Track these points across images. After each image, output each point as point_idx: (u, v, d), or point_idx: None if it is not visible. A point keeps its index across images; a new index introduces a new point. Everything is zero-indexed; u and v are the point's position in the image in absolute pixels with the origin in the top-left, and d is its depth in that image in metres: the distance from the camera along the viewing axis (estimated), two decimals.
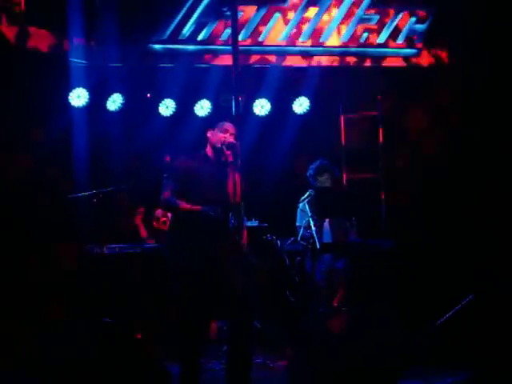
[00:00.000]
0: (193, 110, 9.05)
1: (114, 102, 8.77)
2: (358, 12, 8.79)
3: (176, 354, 5.65)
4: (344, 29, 8.83)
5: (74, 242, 8.01)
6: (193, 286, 5.51)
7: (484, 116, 8.72)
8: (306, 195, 7.69)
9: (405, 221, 8.81)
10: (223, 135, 5.75)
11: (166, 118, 9.03)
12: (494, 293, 6.77)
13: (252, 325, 5.79)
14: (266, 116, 9.23)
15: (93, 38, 8.35)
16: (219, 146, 5.74)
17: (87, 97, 8.55)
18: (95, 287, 7.39)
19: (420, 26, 8.92)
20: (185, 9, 8.52)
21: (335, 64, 9.00)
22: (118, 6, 8.19)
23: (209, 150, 5.86)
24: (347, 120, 9.58)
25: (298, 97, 9.25)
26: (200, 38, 8.62)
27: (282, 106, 9.28)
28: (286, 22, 8.76)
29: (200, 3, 8.50)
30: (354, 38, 8.87)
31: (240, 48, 7.27)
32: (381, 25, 8.91)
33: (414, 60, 9.00)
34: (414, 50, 8.97)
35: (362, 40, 8.90)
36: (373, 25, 8.90)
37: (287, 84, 9.04)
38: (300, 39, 8.79)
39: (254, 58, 8.85)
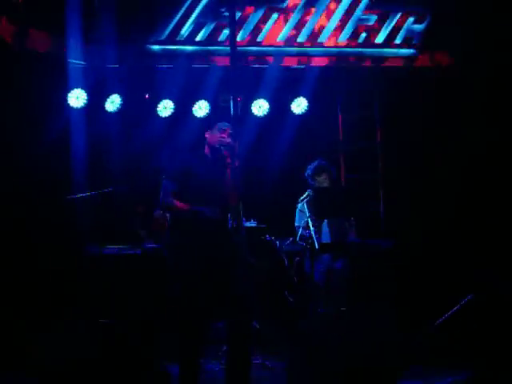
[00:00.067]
0: (191, 111, 9.05)
1: (113, 102, 8.77)
2: (356, 12, 8.81)
3: (176, 355, 5.65)
4: (342, 29, 8.83)
5: (73, 242, 8.01)
6: (192, 287, 5.51)
7: (483, 115, 8.73)
8: (304, 195, 7.70)
9: (404, 221, 8.82)
10: (221, 135, 5.74)
11: (165, 118, 9.02)
12: (493, 292, 6.76)
13: (251, 325, 5.78)
14: (265, 116, 9.22)
15: (91, 39, 8.34)
16: (217, 146, 5.73)
17: (85, 98, 8.55)
18: (95, 288, 7.39)
19: (418, 27, 8.93)
20: (183, 9, 8.53)
21: (333, 64, 9.00)
22: (116, 6, 8.20)
23: (207, 151, 5.85)
24: (345, 120, 9.59)
25: (296, 97, 9.25)
26: (198, 38, 8.62)
27: (280, 106, 9.28)
28: (284, 22, 8.76)
29: (198, 4, 8.51)
30: (352, 38, 8.89)
31: (238, 48, 7.29)
32: (379, 25, 8.93)
33: (412, 60, 9.00)
34: (411, 51, 8.98)
35: (360, 40, 8.91)
36: (371, 25, 8.91)
37: (285, 84, 9.05)
38: (298, 39, 8.80)
39: (252, 59, 8.85)
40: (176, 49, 8.63)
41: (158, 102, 8.97)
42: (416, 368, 5.98)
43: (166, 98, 8.98)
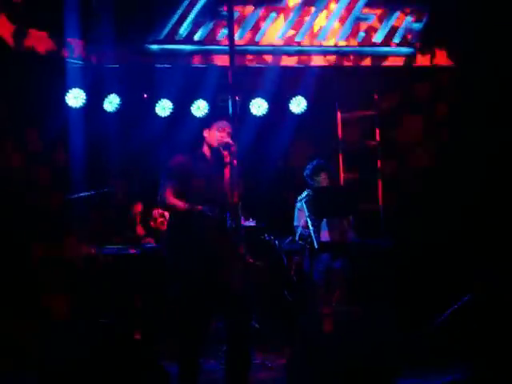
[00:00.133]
0: (190, 111, 9.04)
1: (111, 102, 8.75)
2: (355, 11, 8.79)
3: (175, 354, 5.65)
4: (340, 28, 8.82)
5: (72, 242, 8.01)
6: (192, 286, 5.50)
7: (483, 115, 8.73)
8: (303, 195, 7.70)
9: (403, 220, 8.82)
10: (220, 135, 5.74)
11: (163, 118, 9.01)
12: (493, 292, 6.77)
13: (250, 325, 5.78)
14: (263, 116, 9.21)
15: (89, 39, 8.32)
16: (216, 145, 5.73)
17: (84, 97, 8.53)
18: (94, 287, 7.39)
19: (416, 25, 8.91)
20: (181, 9, 8.51)
21: (332, 63, 8.98)
22: (114, 6, 8.17)
23: (206, 150, 5.85)
24: (344, 119, 9.56)
25: (294, 96, 9.24)
26: (197, 37, 8.61)
27: (279, 105, 9.27)
28: (283, 21, 8.75)
29: (196, 3, 8.48)
30: (350, 37, 8.87)
31: (237, 48, 7.28)
32: (377, 24, 8.92)
33: (411, 59, 8.99)
34: (410, 49, 8.96)
35: (358, 39, 8.90)
36: (369, 24, 8.90)
37: (284, 84, 9.04)
38: (296, 39, 8.79)
39: (250, 58, 8.84)
40: (174, 48, 8.61)
41: (156, 102, 8.96)
42: (415, 367, 5.99)
43: (164, 98, 8.97)
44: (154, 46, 8.56)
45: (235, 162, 5.66)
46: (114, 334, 5.17)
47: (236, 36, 8.19)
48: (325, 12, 8.79)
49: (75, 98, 8.50)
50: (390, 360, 5.29)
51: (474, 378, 5.74)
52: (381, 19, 8.90)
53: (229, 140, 5.67)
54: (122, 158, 8.93)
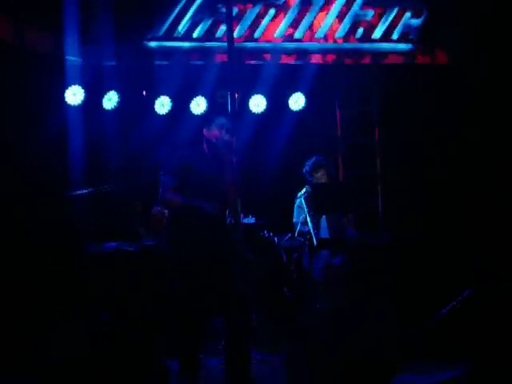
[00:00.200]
0: (189, 108, 9.03)
1: (110, 100, 8.74)
2: (353, 8, 8.81)
3: (175, 350, 5.66)
4: (339, 25, 8.83)
5: (71, 240, 8.01)
6: (192, 281, 5.51)
7: (482, 112, 8.73)
8: (302, 191, 7.71)
9: (402, 215, 8.82)
10: (219, 131, 5.75)
11: (162, 115, 9.01)
12: (493, 287, 6.77)
13: (249, 321, 5.79)
14: (262, 113, 9.20)
15: (88, 36, 8.33)
16: (215, 142, 5.74)
17: (83, 95, 8.52)
18: (94, 285, 7.39)
19: (415, 22, 8.94)
20: (180, 6, 8.53)
21: (330, 60, 9.01)
22: (113, 3, 8.19)
23: (205, 146, 5.85)
24: (343, 116, 9.57)
25: (293, 93, 9.24)
26: (195, 35, 8.62)
27: (277, 102, 9.26)
28: (281, 18, 8.76)
29: (195, 0, 8.50)
30: (349, 34, 8.88)
31: (235, 45, 7.30)
32: (376, 21, 8.93)
33: (410, 55, 9.00)
34: (409, 46, 8.98)
35: (357, 36, 8.91)
36: (368, 21, 8.91)
37: (283, 80, 9.04)
38: (295, 36, 8.80)
39: (249, 55, 8.85)
40: (173, 45, 8.64)
41: (155, 99, 8.96)
42: (415, 362, 5.99)
43: (163, 95, 8.96)
44: (153, 43, 8.58)
45: (234, 158, 5.67)
46: (114, 330, 5.17)
47: (235, 33, 8.20)
48: (324, 9, 8.80)
49: (74, 95, 8.49)
50: (390, 355, 5.29)
51: (474, 373, 5.74)
52: (379, 16, 8.91)
53: (228, 137, 5.68)
54: (121, 155, 8.92)
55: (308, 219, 7.19)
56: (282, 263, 8.09)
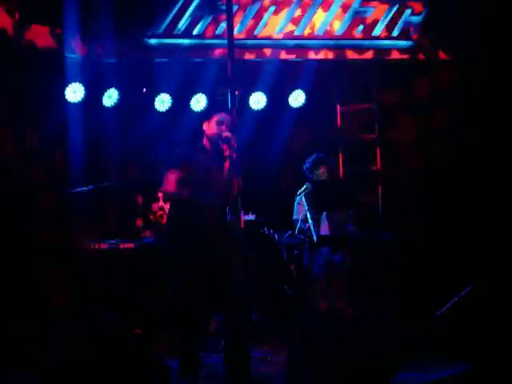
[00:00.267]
0: (189, 105, 9.03)
1: (110, 97, 8.73)
2: (354, 4, 8.78)
3: (175, 349, 5.66)
4: (339, 21, 8.81)
5: (71, 237, 8.01)
6: (192, 279, 5.51)
7: (482, 110, 8.72)
8: (302, 188, 7.70)
9: (403, 213, 8.82)
10: (219, 128, 5.74)
11: (162, 112, 9.00)
12: (492, 285, 6.77)
13: (249, 319, 5.79)
14: (262, 110, 9.21)
15: (88, 33, 8.31)
16: (215, 138, 5.73)
17: (83, 92, 8.51)
18: (93, 282, 7.38)
19: (415, 18, 8.91)
20: (180, 3, 8.51)
21: (330, 57, 8.98)
22: (113, 0, 8.17)
23: (205, 142, 5.85)
24: (343, 113, 9.56)
25: (294, 90, 9.24)
26: (195, 32, 8.60)
27: (278, 99, 9.27)
28: (282, 15, 8.74)
29: None
30: (349, 30, 8.86)
31: (236, 42, 7.26)
32: (376, 17, 8.90)
33: (410, 52, 8.98)
34: (409, 42, 8.95)
35: (357, 32, 8.89)
36: (368, 17, 8.89)
37: (283, 77, 9.03)
38: (295, 32, 8.78)
39: (249, 52, 8.83)
40: (173, 42, 8.61)
41: (155, 96, 8.95)
42: (415, 361, 5.98)
43: (163, 92, 8.95)
44: (153, 40, 8.56)
45: (234, 155, 5.66)
46: (114, 328, 5.17)
47: (235, 30, 8.19)
48: (324, 5, 8.78)
49: (74, 92, 8.48)
50: (390, 353, 5.29)
51: (474, 371, 5.74)
52: (380, 12, 8.88)
53: (228, 134, 5.67)
54: (122, 152, 8.92)
55: (308, 216, 7.18)
56: (282, 260, 8.10)
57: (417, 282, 8.05)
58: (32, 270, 7.80)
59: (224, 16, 8.18)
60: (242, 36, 8.65)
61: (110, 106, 8.76)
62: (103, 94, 8.72)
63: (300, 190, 7.74)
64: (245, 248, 5.77)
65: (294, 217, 7.88)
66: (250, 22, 8.67)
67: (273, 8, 8.71)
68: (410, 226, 8.58)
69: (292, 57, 8.91)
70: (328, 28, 8.81)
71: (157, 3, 8.49)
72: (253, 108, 9.17)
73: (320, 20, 8.78)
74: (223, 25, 8.43)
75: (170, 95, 8.96)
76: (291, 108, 9.28)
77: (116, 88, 8.72)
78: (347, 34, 8.86)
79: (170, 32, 8.53)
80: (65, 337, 4.98)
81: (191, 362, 5.57)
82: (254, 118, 9.04)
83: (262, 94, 9.16)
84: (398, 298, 7.14)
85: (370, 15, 8.89)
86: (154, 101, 8.95)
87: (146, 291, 7.54)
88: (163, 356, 5.57)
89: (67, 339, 4.95)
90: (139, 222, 8.34)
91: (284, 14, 8.72)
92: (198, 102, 9.04)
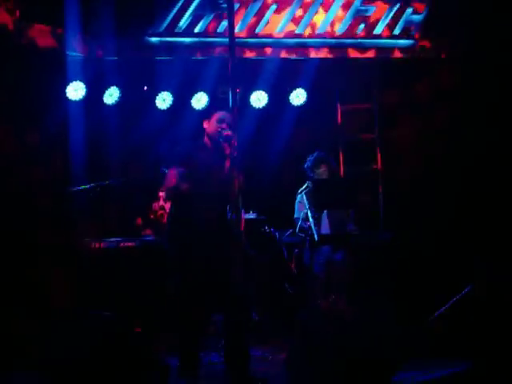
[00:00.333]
0: (190, 103, 9.03)
1: (111, 95, 8.74)
2: (355, 3, 8.78)
3: (175, 348, 5.66)
4: (340, 20, 8.81)
5: (71, 236, 8.00)
6: (193, 278, 5.52)
7: (482, 110, 8.72)
8: (303, 187, 7.71)
9: (403, 212, 8.81)
10: (220, 126, 5.75)
11: (163, 110, 9.00)
12: (492, 285, 6.77)
13: (249, 317, 5.80)
14: (263, 108, 9.21)
15: (89, 32, 8.32)
16: (215, 136, 5.74)
17: (84, 90, 8.52)
18: (94, 281, 7.39)
19: (417, 17, 8.90)
20: (181, 1, 8.51)
21: (332, 55, 8.97)
22: None
23: (206, 140, 5.86)
24: (344, 111, 9.56)
25: (295, 88, 9.24)
26: (197, 30, 8.60)
27: (279, 97, 9.27)
28: (283, 13, 8.74)
29: None
30: (350, 29, 8.86)
31: (237, 40, 7.27)
32: (377, 16, 8.90)
33: (411, 51, 8.97)
34: (410, 41, 8.94)
35: (358, 31, 8.88)
36: (369, 16, 8.88)
37: (284, 76, 9.03)
38: (296, 31, 8.77)
39: (250, 50, 8.83)
40: (174, 41, 8.61)
41: (156, 95, 8.96)
42: (415, 360, 5.98)
43: (164, 90, 8.96)
44: (154, 39, 8.56)
45: (235, 153, 5.66)
46: (114, 327, 5.17)
47: (236, 28, 8.19)
48: (325, 4, 8.78)
49: (75, 90, 8.49)
50: (390, 353, 5.30)
51: (473, 370, 5.75)
52: (381, 11, 8.88)
53: (228, 132, 5.67)
54: (123, 150, 8.93)
55: (309, 215, 7.19)
56: (282, 259, 8.10)
57: (417, 281, 8.04)
58: (32, 270, 7.80)
59: (225, 14, 8.19)
60: (243, 34, 8.65)
61: (111, 104, 8.77)
62: (104, 93, 8.74)
63: (301, 189, 7.75)
64: (245, 247, 5.78)
65: (295, 215, 7.88)
66: (251, 21, 8.67)
67: (274, 6, 8.71)
68: (410, 225, 8.57)
69: (293, 55, 8.91)
70: (329, 26, 8.81)
71: (158, 2, 8.50)
72: (254, 106, 9.18)
73: (321, 19, 8.77)
74: (224, 23, 8.43)
75: (171, 93, 8.97)
76: (292, 106, 9.28)
77: (117, 86, 8.73)
78: (348, 32, 8.85)
79: (171, 30, 8.53)
80: (65, 337, 4.99)
81: (191, 361, 5.57)
82: (255, 117, 9.04)
83: (263, 92, 9.16)
84: (398, 297, 7.13)
85: (372, 14, 8.88)
86: (154, 99, 8.96)
87: (146, 290, 7.54)
88: (163, 355, 5.56)
89: (67, 339, 4.96)
90: (139, 221, 8.34)
91: (285, 13, 8.72)
92: (199, 101, 9.05)
